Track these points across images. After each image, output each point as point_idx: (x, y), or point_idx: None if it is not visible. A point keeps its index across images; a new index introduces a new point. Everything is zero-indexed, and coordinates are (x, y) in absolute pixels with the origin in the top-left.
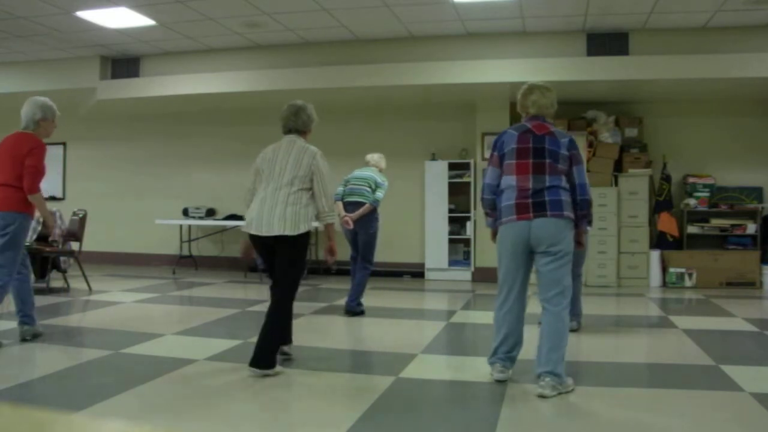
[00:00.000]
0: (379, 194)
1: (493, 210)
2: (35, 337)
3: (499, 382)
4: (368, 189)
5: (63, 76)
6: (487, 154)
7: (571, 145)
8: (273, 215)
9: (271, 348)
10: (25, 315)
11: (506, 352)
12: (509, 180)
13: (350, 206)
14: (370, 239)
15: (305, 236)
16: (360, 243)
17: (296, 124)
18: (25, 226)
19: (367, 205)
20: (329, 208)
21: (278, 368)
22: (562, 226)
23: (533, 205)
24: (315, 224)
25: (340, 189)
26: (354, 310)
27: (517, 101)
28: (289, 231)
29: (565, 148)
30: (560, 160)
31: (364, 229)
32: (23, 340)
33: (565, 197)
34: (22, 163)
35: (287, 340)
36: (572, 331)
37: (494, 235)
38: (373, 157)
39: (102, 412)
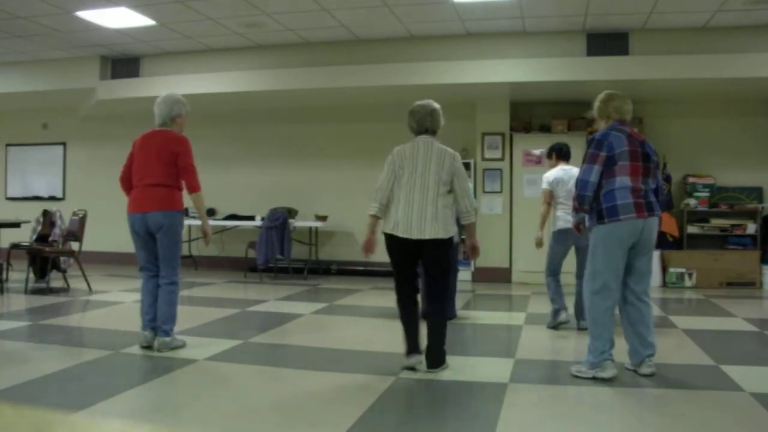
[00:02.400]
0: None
1: (591, 207)
2: (174, 349)
3: (607, 380)
4: None
5: (63, 76)
6: (488, 154)
7: (656, 151)
8: (424, 219)
9: (443, 347)
10: (153, 318)
11: (613, 347)
12: (624, 180)
13: None
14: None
15: (452, 239)
16: None
17: (432, 124)
18: (182, 224)
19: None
20: (469, 208)
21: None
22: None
23: (646, 204)
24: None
25: None
26: (454, 314)
27: (596, 107)
28: (442, 234)
29: (655, 154)
30: (655, 164)
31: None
32: (158, 350)
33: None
34: (172, 162)
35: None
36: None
37: (578, 227)
38: None
39: (102, 412)
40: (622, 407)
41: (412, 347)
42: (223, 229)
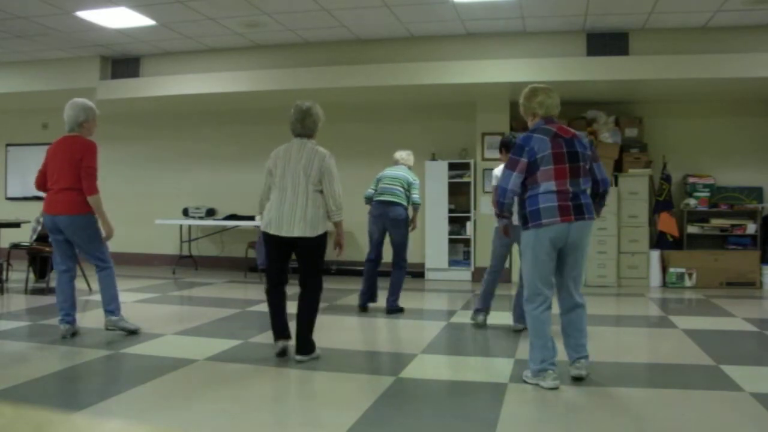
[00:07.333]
0: (416, 197)
1: (510, 213)
2: (74, 335)
3: (552, 389)
4: (400, 189)
5: (63, 76)
6: (488, 154)
7: (590, 144)
8: (293, 217)
9: (310, 336)
10: (68, 314)
11: (555, 355)
12: (547, 185)
13: (381, 205)
14: (402, 239)
15: (324, 236)
16: (393, 243)
17: (303, 130)
18: (95, 223)
19: (414, 213)
20: (337, 207)
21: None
22: (591, 227)
23: (573, 208)
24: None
25: (370, 191)
26: (394, 308)
27: (521, 104)
28: (309, 233)
29: (588, 148)
30: (587, 161)
31: (396, 228)
32: (64, 337)
33: (591, 199)
34: (79, 166)
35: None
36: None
37: (506, 229)
38: (402, 155)
39: (102, 412)
40: (622, 407)
41: (279, 333)
42: (223, 229)
